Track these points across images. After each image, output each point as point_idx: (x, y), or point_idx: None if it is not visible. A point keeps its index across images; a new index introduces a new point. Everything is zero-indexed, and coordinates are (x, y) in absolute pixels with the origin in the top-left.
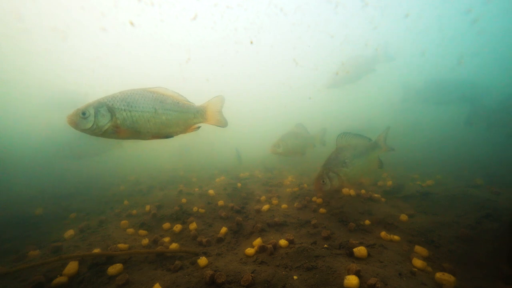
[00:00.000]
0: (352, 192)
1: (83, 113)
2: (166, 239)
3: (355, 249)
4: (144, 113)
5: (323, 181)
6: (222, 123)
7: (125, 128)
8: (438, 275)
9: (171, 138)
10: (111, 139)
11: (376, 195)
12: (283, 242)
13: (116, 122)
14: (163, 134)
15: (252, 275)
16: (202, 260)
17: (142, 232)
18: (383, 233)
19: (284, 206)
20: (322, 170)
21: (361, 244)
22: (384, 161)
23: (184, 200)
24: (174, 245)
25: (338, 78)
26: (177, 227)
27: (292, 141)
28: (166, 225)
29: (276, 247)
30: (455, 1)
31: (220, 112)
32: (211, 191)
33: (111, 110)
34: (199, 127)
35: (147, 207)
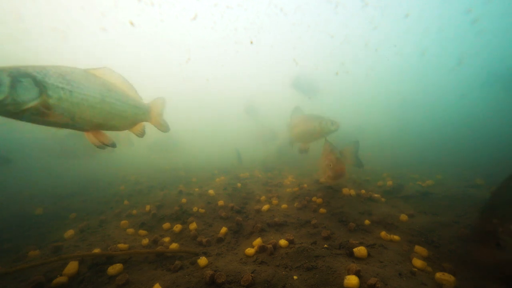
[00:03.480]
0: (352, 192)
1: None
2: (166, 239)
3: (355, 249)
4: (89, 98)
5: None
6: (162, 127)
7: (59, 111)
8: (438, 275)
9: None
10: (36, 124)
11: (376, 195)
12: (283, 242)
13: (46, 101)
14: (108, 126)
15: (252, 275)
16: (202, 260)
17: (142, 232)
18: (383, 233)
19: (284, 206)
20: (333, 151)
21: (361, 244)
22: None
23: (184, 200)
24: (174, 245)
25: (297, 82)
26: (177, 227)
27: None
28: (166, 225)
29: (276, 247)
30: (455, 1)
31: (160, 115)
32: (211, 191)
33: (40, 85)
34: (144, 131)
35: (147, 207)
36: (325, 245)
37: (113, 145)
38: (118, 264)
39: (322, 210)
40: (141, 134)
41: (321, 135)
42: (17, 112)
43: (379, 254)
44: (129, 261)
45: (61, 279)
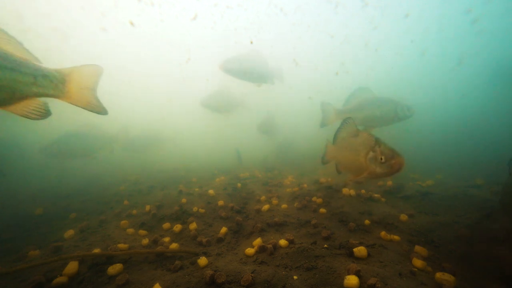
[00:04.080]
0: (352, 192)
1: None
2: (166, 239)
3: (355, 249)
4: None
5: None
6: (95, 107)
7: None
8: (438, 275)
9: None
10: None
11: (376, 195)
12: (283, 242)
13: None
14: None
15: (252, 275)
16: (202, 260)
17: (142, 232)
18: (383, 233)
19: (284, 206)
20: (378, 140)
21: (361, 244)
22: None
23: (184, 200)
24: (174, 245)
25: (231, 64)
26: (177, 227)
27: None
28: (166, 225)
29: (276, 247)
30: (455, 1)
31: (92, 90)
32: (211, 191)
33: None
34: (47, 111)
35: (147, 207)
36: (325, 245)
37: None
38: (118, 264)
39: (322, 210)
40: (38, 116)
41: (394, 121)
42: None
43: (379, 254)
44: (129, 261)
45: (61, 279)
